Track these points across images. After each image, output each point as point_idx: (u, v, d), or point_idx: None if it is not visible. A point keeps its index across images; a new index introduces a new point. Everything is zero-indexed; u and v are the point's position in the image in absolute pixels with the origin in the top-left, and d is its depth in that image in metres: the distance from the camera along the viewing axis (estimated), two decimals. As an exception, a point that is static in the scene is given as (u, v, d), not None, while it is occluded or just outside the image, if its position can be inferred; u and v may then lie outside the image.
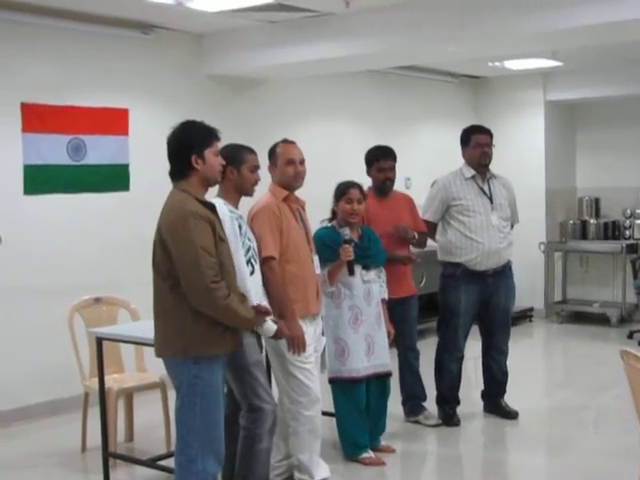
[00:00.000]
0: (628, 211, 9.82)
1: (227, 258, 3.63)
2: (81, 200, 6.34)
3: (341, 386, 4.91)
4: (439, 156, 9.11)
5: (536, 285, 9.81)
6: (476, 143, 5.69)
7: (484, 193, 5.70)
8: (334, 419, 5.08)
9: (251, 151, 4.21)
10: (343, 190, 4.92)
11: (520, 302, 9.37)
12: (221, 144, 3.76)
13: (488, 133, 5.79)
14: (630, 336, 8.60)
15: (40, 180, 6.07)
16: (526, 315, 9.72)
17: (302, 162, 4.49)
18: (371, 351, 4.94)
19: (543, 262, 9.88)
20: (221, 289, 3.45)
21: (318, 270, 4.54)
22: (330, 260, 4.78)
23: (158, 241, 3.55)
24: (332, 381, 4.92)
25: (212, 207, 3.64)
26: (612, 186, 9.97)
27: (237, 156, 4.08)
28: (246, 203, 4.30)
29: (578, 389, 6.88)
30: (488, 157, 5.71)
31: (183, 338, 3.49)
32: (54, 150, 6.13)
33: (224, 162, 3.77)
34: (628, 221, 9.82)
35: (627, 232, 9.82)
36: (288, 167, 4.43)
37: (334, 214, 5.02)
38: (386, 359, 5.05)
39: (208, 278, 3.41)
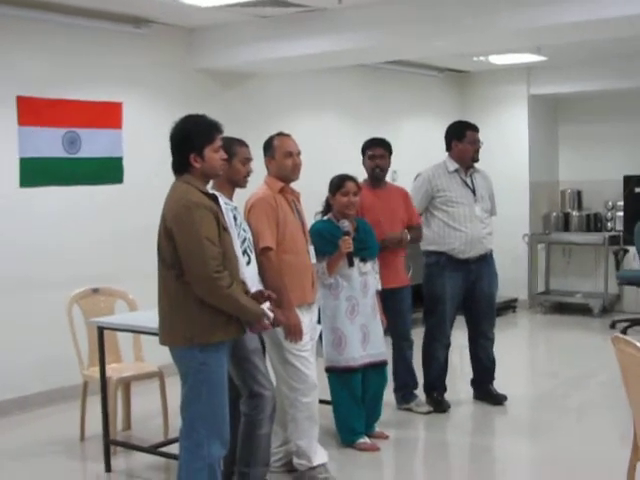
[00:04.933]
0: (610, 203, 10.01)
1: (230, 248, 3.72)
2: (76, 192, 6.41)
3: (338, 375, 5.02)
4: (425, 149, 9.21)
5: (520, 276, 9.96)
6: (472, 139, 5.84)
7: (467, 186, 5.85)
8: (330, 407, 5.21)
9: (242, 143, 4.28)
10: (339, 183, 5.02)
11: (504, 293, 9.54)
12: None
13: (478, 131, 5.93)
14: (613, 326, 8.76)
15: (36, 173, 6.14)
16: (510, 306, 9.87)
17: (299, 154, 4.59)
18: (367, 341, 5.07)
19: (527, 254, 10.05)
20: (224, 278, 3.53)
21: (313, 260, 4.64)
22: (329, 252, 4.89)
23: (163, 231, 3.62)
24: (329, 370, 5.04)
25: (215, 198, 3.73)
26: (594, 179, 10.14)
27: (228, 149, 4.08)
28: (242, 195, 4.39)
29: (563, 377, 7.04)
30: (478, 154, 5.89)
31: (189, 326, 3.57)
32: (49, 143, 6.19)
33: (226, 156, 3.85)
34: (610, 213, 10.02)
35: (609, 224, 10.02)
36: (287, 159, 4.51)
37: (328, 207, 5.13)
38: (381, 348, 5.17)
39: (211, 268, 3.49)
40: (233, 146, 4.21)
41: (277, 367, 4.50)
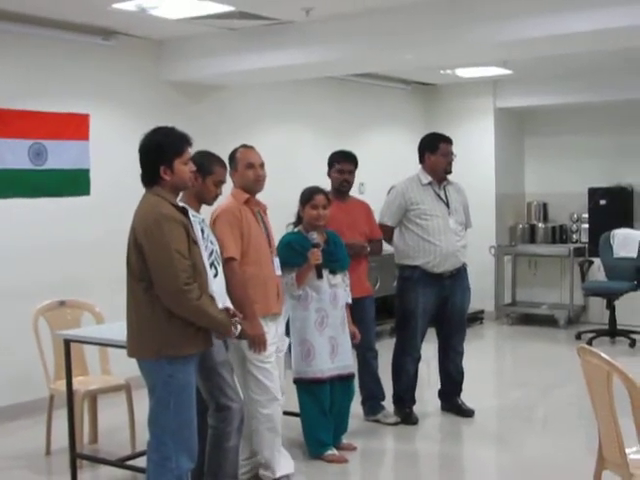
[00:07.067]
0: (575, 216, 10.12)
1: (199, 260, 3.72)
2: (42, 204, 6.35)
3: (306, 387, 5.03)
4: (392, 162, 9.31)
5: (486, 288, 9.99)
6: (445, 151, 5.86)
7: (440, 199, 5.86)
8: (298, 418, 5.20)
9: (222, 164, 4.30)
10: (309, 196, 5.03)
11: (471, 305, 9.58)
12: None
13: (452, 143, 5.95)
14: (578, 337, 8.83)
15: (1, 184, 6.08)
16: (477, 317, 9.90)
17: (262, 166, 4.61)
18: (335, 353, 5.07)
19: (493, 265, 10.11)
20: (194, 291, 3.54)
21: (278, 271, 4.65)
22: (298, 264, 4.91)
23: (133, 244, 3.61)
24: (297, 382, 5.04)
25: (185, 211, 3.73)
26: (559, 191, 10.26)
27: (207, 166, 4.15)
28: (208, 207, 4.38)
29: (529, 388, 7.09)
30: (451, 166, 5.90)
31: (157, 338, 3.57)
32: (15, 155, 6.13)
33: (195, 168, 3.85)
34: (575, 225, 10.13)
35: (574, 236, 10.13)
36: (248, 171, 4.55)
37: (299, 219, 5.14)
38: (349, 361, 5.19)
39: (181, 280, 3.49)
40: (213, 165, 4.23)
41: (239, 378, 4.49)
